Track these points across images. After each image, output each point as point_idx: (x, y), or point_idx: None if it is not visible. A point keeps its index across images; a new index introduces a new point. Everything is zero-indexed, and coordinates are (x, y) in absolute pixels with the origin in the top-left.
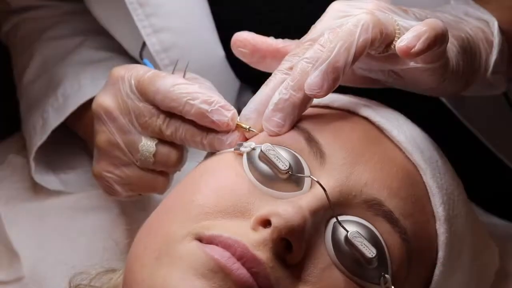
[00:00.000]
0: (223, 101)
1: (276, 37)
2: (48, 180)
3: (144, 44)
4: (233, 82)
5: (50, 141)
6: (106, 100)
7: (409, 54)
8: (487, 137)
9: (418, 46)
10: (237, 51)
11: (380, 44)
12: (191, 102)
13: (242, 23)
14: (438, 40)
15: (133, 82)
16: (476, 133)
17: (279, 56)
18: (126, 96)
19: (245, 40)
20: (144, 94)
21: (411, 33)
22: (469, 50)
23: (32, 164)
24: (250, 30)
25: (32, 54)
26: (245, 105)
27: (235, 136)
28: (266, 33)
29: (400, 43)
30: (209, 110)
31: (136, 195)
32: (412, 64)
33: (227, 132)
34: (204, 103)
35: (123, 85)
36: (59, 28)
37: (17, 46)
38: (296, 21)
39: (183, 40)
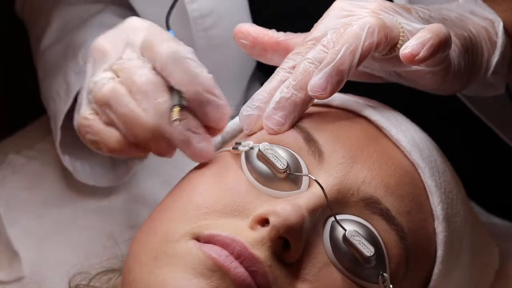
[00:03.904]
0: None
1: (298, 16)
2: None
3: (169, 13)
4: (252, 60)
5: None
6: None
7: (413, 61)
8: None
9: (422, 53)
10: (238, 43)
11: (384, 48)
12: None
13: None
14: (441, 47)
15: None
16: (489, 124)
17: (279, 49)
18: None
19: (247, 32)
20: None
21: (415, 40)
22: (471, 49)
23: (59, 132)
24: (275, 6)
25: (50, 19)
26: None
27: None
28: (293, 13)
29: (405, 50)
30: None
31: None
32: (414, 67)
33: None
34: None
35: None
36: None
37: (34, 13)
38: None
39: (220, 6)
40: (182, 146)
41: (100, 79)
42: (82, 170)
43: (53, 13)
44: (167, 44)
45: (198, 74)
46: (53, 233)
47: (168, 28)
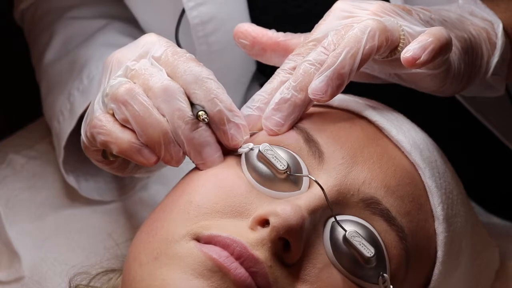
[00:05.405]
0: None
1: (298, 22)
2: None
3: (177, 30)
4: (252, 63)
5: (76, 149)
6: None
7: (414, 64)
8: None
9: (424, 57)
10: (238, 42)
11: (385, 51)
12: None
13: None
14: (442, 51)
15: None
16: (487, 125)
17: (279, 49)
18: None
19: (246, 31)
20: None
21: (416, 44)
22: (470, 51)
23: (62, 152)
24: (275, 12)
25: (53, 32)
26: None
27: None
28: (291, 16)
29: (406, 54)
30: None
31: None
32: (414, 69)
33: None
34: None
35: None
36: (82, 9)
37: (36, 24)
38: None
39: (220, 12)
40: (195, 153)
41: (117, 81)
42: (87, 186)
43: (56, 27)
44: (189, 65)
45: (220, 94)
46: (53, 233)
47: (177, 43)
